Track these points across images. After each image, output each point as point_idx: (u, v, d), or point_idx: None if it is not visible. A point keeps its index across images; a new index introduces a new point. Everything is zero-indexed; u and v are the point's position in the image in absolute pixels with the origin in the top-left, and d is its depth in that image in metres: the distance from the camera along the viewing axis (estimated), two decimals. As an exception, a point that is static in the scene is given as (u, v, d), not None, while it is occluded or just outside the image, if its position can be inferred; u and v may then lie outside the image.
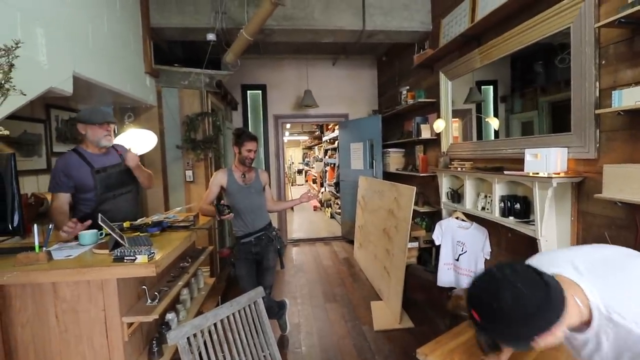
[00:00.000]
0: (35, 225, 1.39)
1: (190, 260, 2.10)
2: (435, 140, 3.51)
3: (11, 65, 1.25)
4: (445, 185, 3.07)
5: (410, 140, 3.90)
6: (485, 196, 2.57)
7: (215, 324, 1.22)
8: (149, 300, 1.54)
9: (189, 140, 3.22)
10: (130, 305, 1.53)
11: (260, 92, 5.08)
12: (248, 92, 5.06)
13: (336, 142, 6.46)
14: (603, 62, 1.75)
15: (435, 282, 2.96)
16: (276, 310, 2.45)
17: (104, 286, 1.41)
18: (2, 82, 1.23)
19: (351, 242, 4.80)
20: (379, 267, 3.30)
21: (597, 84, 1.77)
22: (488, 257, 2.70)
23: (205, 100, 3.30)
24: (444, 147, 3.31)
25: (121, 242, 1.47)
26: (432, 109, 3.58)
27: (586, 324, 0.82)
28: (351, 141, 5.06)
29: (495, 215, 2.35)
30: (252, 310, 1.36)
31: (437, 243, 2.95)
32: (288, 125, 9.10)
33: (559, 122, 2.11)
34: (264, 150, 5.13)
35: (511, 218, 2.24)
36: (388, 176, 4.38)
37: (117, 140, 2.19)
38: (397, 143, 4.33)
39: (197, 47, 3.63)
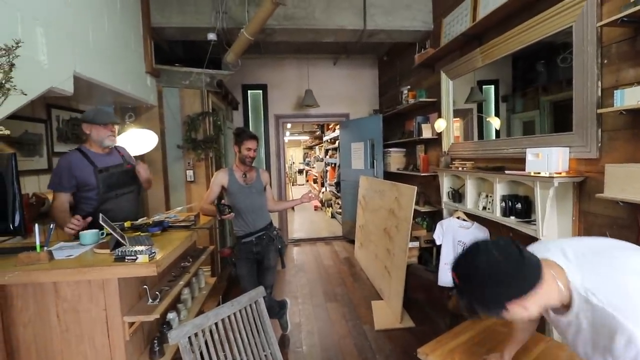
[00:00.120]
0: (36, 225, 1.39)
1: (191, 259, 2.10)
2: (436, 140, 3.50)
3: (12, 65, 1.25)
4: (446, 184, 3.07)
5: (411, 139, 3.89)
6: (487, 196, 2.56)
7: (216, 324, 1.22)
8: (150, 300, 1.54)
9: (189, 140, 3.22)
10: (132, 304, 1.53)
11: (261, 91, 5.08)
12: (249, 91, 5.06)
13: (337, 142, 6.46)
14: (605, 61, 1.74)
15: (436, 281, 2.95)
16: (277, 309, 2.45)
17: (105, 286, 1.41)
18: (3, 81, 1.23)
19: (352, 241, 4.80)
20: (379, 267, 3.30)
21: (599, 83, 1.77)
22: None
23: (206, 100, 3.30)
24: (445, 146, 3.30)
25: (122, 241, 1.47)
26: (433, 108, 3.57)
27: (567, 306, 0.87)
28: (352, 141, 5.06)
29: (497, 215, 2.34)
30: (253, 310, 1.36)
31: (438, 243, 2.94)
32: (289, 125, 9.10)
33: (561, 121, 2.11)
34: (264, 150, 5.12)
35: (512, 218, 2.23)
36: (389, 176, 4.38)
37: (118, 141, 2.22)
38: (398, 143, 4.33)
39: (197, 46, 3.63)
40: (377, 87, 5.34)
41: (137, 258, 1.36)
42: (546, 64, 2.40)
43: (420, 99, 3.57)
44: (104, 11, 2.29)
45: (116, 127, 2.02)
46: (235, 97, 4.65)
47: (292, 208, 7.99)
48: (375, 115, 4.82)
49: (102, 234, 1.70)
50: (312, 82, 4.99)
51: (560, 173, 1.88)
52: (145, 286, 1.59)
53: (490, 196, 2.48)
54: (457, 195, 2.92)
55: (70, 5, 1.90)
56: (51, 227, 1.49)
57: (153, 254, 1.40)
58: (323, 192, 8.36)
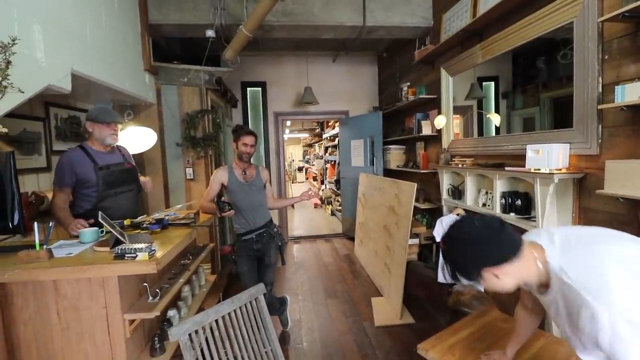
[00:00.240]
0: (35, 223, 1.39)
1: (191, 257, 2.10)
2: (436, 137, 3.49)
3: (8, 62, 1.24)
4: (446, 181, 3.07)
5: (411, 136, 3.88)
6: (486, 192, 2.56)
7: (216, 321, 1.22)
8: (151, 297, 1.54)
9: (188, 137, 3.21)
10: (132, 302, 1.53)
11: (260, 89, 5.06)
12: (248, 89, 5.04)
13: (336, 139, 6.45)
14: (606, 56, 1.73)
15: (435, 278, 2.96)
16: (277, 306, 2.45)
17: (105, 283, 1.41)
18: (0, 79, 1.22)
19: (352, 239, 4.80)
20: (379, 264, 3.30)
21: (600, 79, 1.76)
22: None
23: (204, 97, 3.29)
24: (445, 143, 3.29)
25: (122, 239, 1.47)
26: (433, 105, 3.56)
27: (547, 286, 0.93)
28: (352, 138, 5.05)
29: (497, 211, 2.34)
30: (254, 307, 1.36)
31: (437, 240, 2.94)
32: (288, 123, 9.07)
33: (561, 118, 2.10)
34: (264, 147, 5.11)
35: (512, 214, 2.23)
36: (389, 173, 4.37)
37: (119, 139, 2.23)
38: (398, 140, 4.32)
39: (196, 43, 3.61)
40: (377, 84, 5.32)
41: (136, 256, 1.36)
42: (546, 60, 2.39)
43: (420, 96, 3.55)
44: (102, 8, 2.28)
45: (119, 126, 2.05)
46: (234, 94, 4.64)
47: (292, 206, 7.99)
48: (375, 112, 4.81)
49: (102, 231, 1.70)
50: (312, 79, 4.97)
51: (560, 169, 1.88)
52: (145, 284, 1.59)
53: (490, 193, 2.48)
54: (457, 192, 2.92)
55: (67, 2, 1.89)
56: (50, 225, 1.49)
57: (153, 252, 1.40)
58: (323, 190, 8.36)
